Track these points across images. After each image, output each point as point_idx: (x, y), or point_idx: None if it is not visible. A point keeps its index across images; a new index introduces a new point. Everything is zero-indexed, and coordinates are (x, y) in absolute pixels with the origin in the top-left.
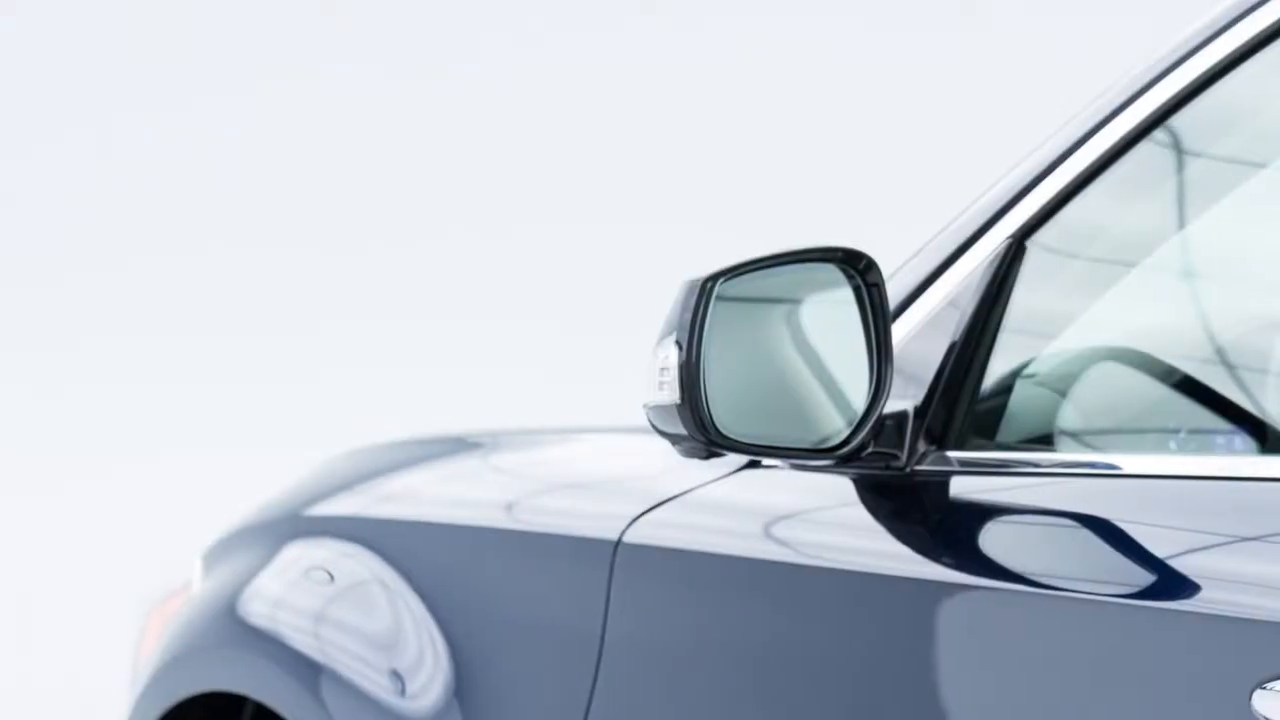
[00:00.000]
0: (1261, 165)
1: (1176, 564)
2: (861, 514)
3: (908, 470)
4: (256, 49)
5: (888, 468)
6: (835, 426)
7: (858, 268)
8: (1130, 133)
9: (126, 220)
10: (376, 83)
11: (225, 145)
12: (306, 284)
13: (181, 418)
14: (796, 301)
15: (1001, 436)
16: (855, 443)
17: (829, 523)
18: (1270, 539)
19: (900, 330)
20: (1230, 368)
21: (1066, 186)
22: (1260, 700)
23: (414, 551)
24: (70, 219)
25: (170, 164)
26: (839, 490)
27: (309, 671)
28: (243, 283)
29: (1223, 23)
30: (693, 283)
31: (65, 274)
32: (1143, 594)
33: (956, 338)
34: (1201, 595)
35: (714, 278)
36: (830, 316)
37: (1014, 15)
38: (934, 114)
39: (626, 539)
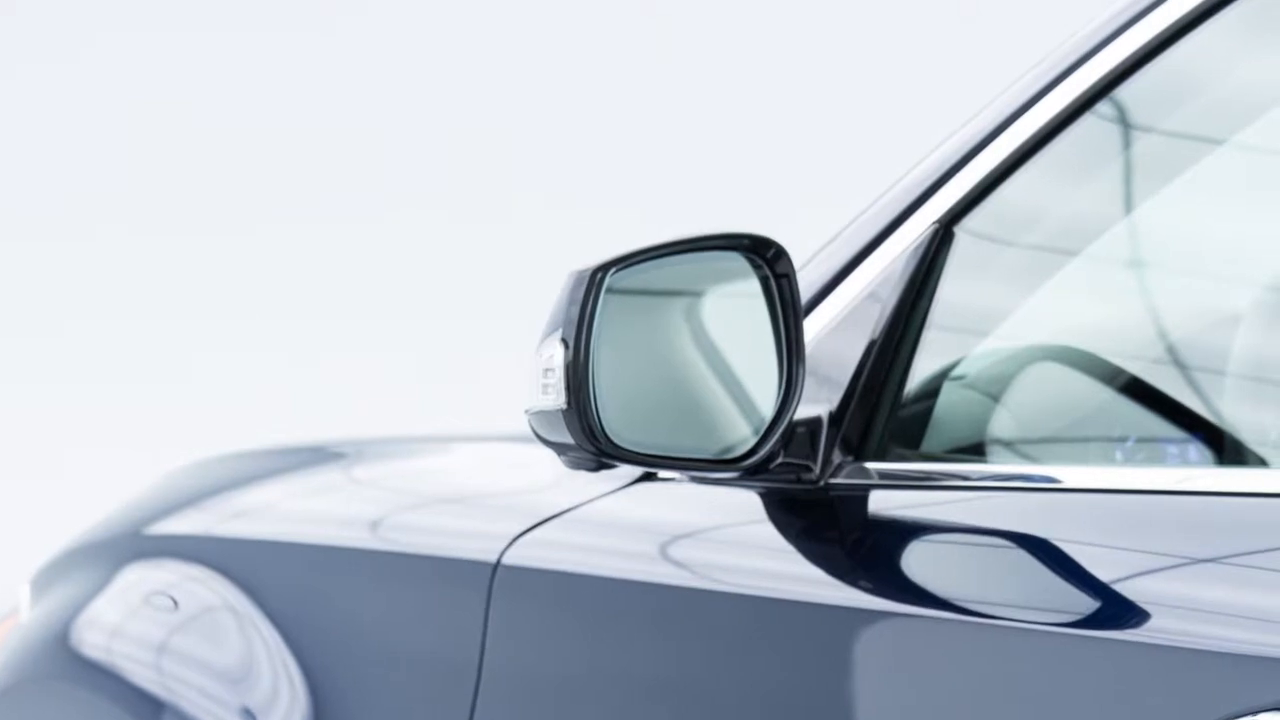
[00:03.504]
0: (1217, 142)
1: (1123, 588)
2: (769, 532)
3: (821, 483)
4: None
5: (799, 480)
6: (740, 435)
7: (765, 256)
8: (1070, 106)
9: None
10: (323, 70)
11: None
12: (178, 272)
13: (34, 418)
14: (697, 294)
15: (926, 446)
16: (763, 453)
17: (733, 542)
18: (1227, 560)
19: (813, 327)
20: (1183, 369)
21: (999, 166)
22: None
23: (268, 574)
24: None
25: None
26: (744, 506)
27: (150, 709)
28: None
29: None
30: (580, 273)
31: None
32: (1085, 622)
33: (876, 335)
34: (1151, 624)
35: (604, 268)
36: (735, 311)
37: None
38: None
39: (506, 560)
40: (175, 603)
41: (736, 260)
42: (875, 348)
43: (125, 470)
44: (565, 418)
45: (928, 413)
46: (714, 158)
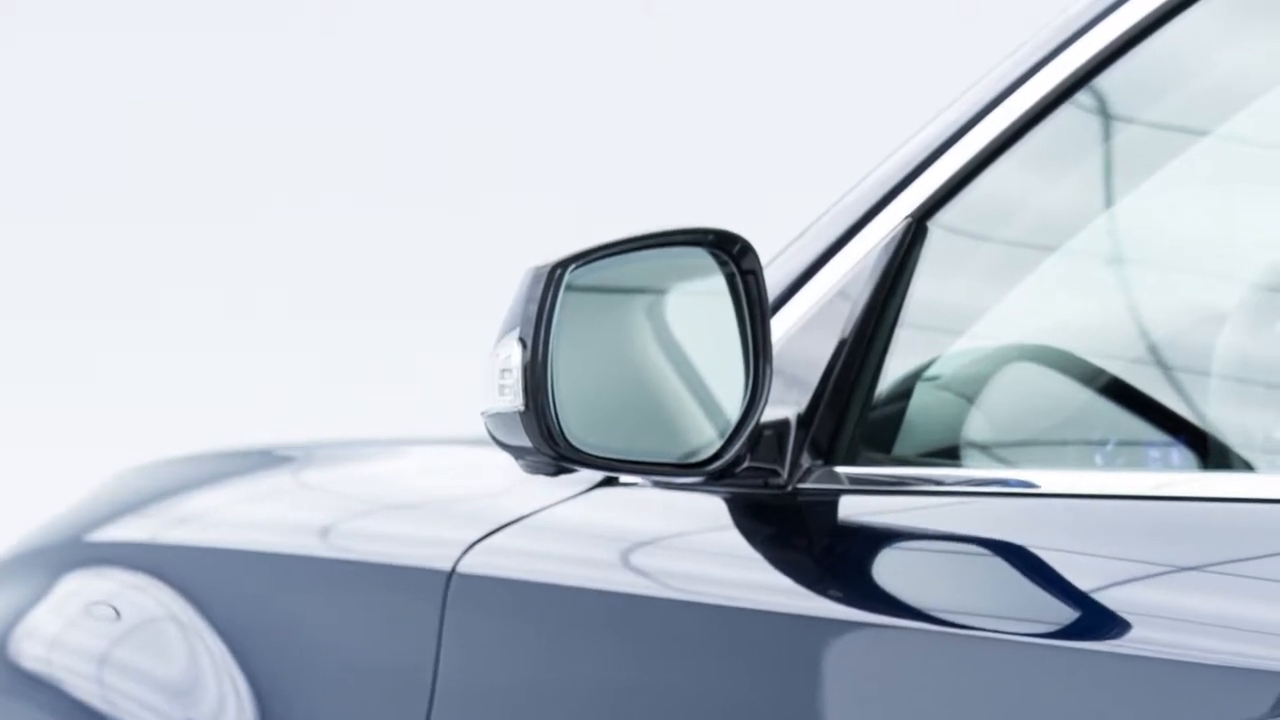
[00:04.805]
0: (1201, 133)
1: (1102, 597)
2: (735, 539)
3: (789, 488)
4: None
5: (766, 485)
6: (705, 438)
7: (731, 252)
8: (1048, 96)
9: None
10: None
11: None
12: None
13: None
14: (660, 292)
15: (899, 449)
16: (728, 456)
17: (697, 549)
18: (1211, 569)
19: (781, 325)
20: (1165, 369)
21: (974, 158)
22: None
23: (214, 583)
24: None
25: None
26: (709, 512)
27: None
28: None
29: None
30: (538, 270)
31: None
32: (1062, 632)
33: (846, 334)
34: (1131, 634)
35: (563, 264)
36: (700, 309)
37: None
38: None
39: (461, 569)
40: (117, 613)
41: (701, 256)
42: (845, 347)
43: (74, 473)
44: (523, 420)
45: (900, 415)
46: (715, 157)
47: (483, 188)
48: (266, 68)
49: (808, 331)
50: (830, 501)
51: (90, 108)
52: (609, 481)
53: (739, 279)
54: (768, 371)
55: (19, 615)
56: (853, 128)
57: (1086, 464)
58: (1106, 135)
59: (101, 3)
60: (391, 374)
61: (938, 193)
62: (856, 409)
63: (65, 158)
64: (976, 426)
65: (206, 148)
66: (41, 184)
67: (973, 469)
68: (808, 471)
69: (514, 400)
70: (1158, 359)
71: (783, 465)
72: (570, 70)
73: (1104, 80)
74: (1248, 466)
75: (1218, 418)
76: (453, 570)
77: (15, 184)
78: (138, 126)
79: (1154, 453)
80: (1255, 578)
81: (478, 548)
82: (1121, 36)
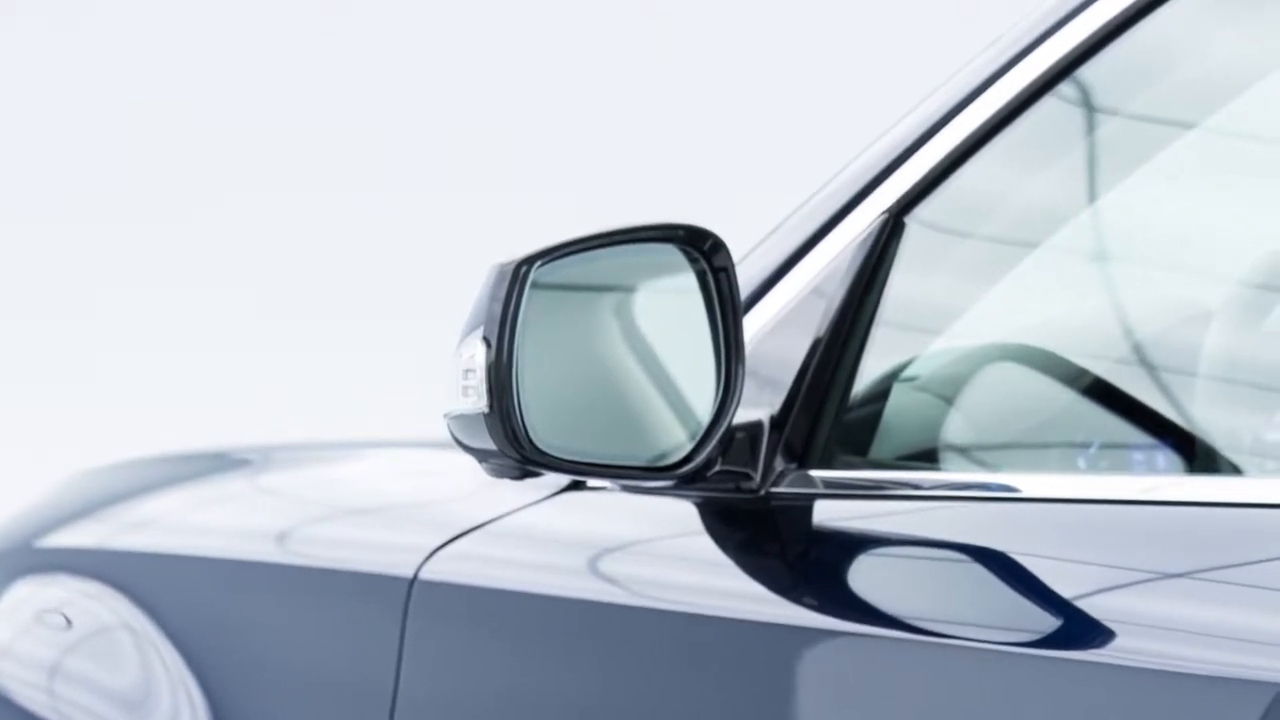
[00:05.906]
0: (1188, 125)
1: (1085, 605)
2: (706, 544)
3: (762, 492)
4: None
5: (738, 489)
6: (675, 440)
7: (702, 249)
8: (1030, 87)
9: None
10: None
11: None
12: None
13: None
14: (629, 290)
15: (875, 452)
16: (699, 460)
17: (667, 555)
18: (1198, 575)
19: (754, 324)
20: (1150, 370)
21: (954, 152)
22: None
23: (168, 590)
24: None
25: None
26: (679, 516)
27: None
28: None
29: None
30: (503, 267)
31: None
32: (1045, 641)
33: (821, 334)
34: (1116, 643)
35: (529, 261)
36: (670, 308)
37: None
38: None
39: (424, 575)
40: (68, 621)
41: (671, 253)
42: (820, 347)
43: (29, 473)
44: (487, 422)
45: (876, 417)
46: (714, 156)
47: (483, 187)
48: (266, 67)
49: (781, 330)
50: (804, 506)
51: (90, 108)
52: (576, 485)
53: (710, 276)
54: (740, 372)
55: None
56: (854, 128)
57: (1069, 467)
58: (1088, 129)
59: (101, 3)
60: (391, 374)
61: (916, 187)
62: (831, 411)
63: (65, 158)
64: (955, 428)
65: (206, 148)
66: (41, 184)
67: (951, 472)
68: (781, 475)
69: (478, 401)
70: (1143, 359)
71: (755, 468)
72: (570, 69)
73: (1085, 73)
74: (1235, 469)
75: (1204, 419)
76: (415, 577)
77: (15, 184)
78: (138, 126)
79: (1139, 455)
80: (1243, 584)
81: (441, 554)
82: (1102, 29)
